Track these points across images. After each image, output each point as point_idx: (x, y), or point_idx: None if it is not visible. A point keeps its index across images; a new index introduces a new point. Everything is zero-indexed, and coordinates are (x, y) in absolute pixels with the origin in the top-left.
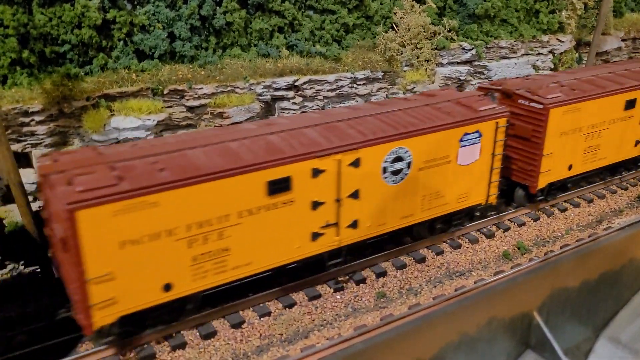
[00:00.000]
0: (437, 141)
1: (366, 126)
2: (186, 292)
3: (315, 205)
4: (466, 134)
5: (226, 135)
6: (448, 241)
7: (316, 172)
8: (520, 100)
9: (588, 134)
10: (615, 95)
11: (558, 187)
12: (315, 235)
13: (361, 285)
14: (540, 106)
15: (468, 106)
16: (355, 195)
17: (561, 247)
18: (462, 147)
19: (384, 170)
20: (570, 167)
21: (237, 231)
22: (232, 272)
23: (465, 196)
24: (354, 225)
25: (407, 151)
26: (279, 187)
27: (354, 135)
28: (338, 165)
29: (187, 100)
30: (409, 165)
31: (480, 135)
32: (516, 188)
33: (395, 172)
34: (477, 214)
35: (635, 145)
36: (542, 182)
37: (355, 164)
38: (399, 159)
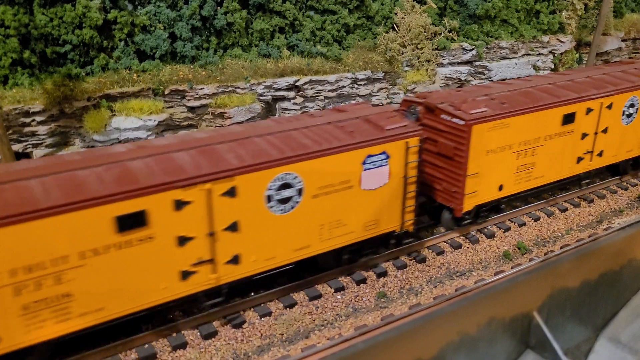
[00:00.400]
0: (333, 165)
1: (249, 149)
2: (18, 345)
3: (183, 240)
4: (370, 155)
5: (80, 161)
6: (448, 241)
7: (180, 204)
8: (442, 116)
9: (520, 151)
10: (550, 109)
11: (489, 209)
12: (186, 274)
13: (362, 285)
14: (462, 122)
15: (375, 124)
16: (233, 227)
17: (561, 247)
18: (365, 170)
19: (269, 198)
20: (501, 188)
21: (80, 274)
22: (79, 319)
23: (374, 224)
24: (234, 260)
25: (296, 177)
26: (131, 222)
27: (230, 160)
28: (208, 196)
29: (188, 100)
30: (300, 192)
31: (388, 157)
32: (443, 210)
33: (283, 201)
34: (393, 241)
35: (578, 162)
36: (468, 205)
37: (231, 193)
38: (286, 185)
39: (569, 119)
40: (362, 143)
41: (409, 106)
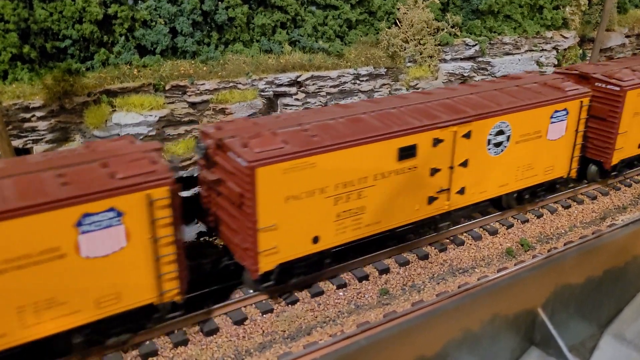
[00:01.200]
0: (35, 229)
1: None
2: None
3: None
4: (88, 214)
5: None
6: (451, 238)
7: None
8: (229, 153)
9: (339, 195)
10: (377, 142)
11: (308, 265)
12: None
13: (364, 282)
14: (245, 164)
15: (109, 170)
16: None
17: (565, 244)
18: (84, 233)
19: None
20: (316, 240)
21: None
22: None
23: (114, 299)
24: None
25: None
26: None
27: None
28: None
29: (189, 96)
30: None
31: (120, 215)
32: (244, 270)
33: None
34: (157, 315)
35: (430, 203)
36: (267, 264)
37: None
38: None
39: (407, 152)
40: (70, 200)
41: (198, 140)
